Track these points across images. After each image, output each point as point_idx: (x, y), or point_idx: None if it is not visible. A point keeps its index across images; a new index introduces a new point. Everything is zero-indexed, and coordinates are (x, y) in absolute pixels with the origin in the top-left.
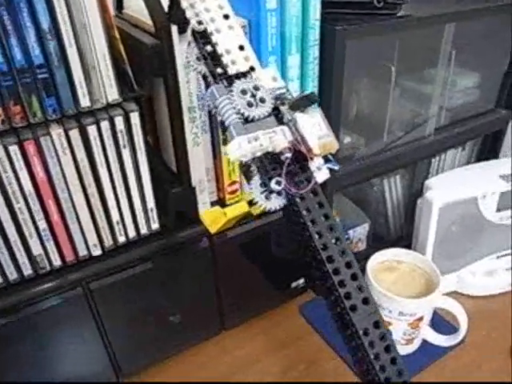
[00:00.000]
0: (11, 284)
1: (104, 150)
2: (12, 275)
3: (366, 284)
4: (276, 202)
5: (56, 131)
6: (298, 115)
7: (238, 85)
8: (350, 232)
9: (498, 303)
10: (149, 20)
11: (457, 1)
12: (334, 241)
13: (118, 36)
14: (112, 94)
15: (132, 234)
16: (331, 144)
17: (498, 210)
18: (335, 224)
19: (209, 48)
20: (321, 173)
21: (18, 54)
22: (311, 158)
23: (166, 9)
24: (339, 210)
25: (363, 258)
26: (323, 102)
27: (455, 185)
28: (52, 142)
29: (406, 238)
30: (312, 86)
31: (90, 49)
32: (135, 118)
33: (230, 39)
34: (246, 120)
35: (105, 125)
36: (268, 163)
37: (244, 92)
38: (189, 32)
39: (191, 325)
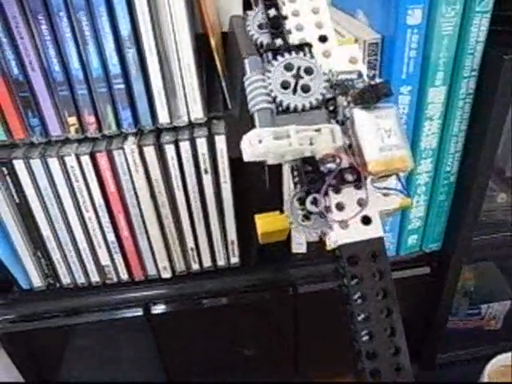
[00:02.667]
0: (79, 287)
1: (182, 172)
2: (80, 279)
3: None
4: (311, 231)
5: (130, 146)
6: (357, 112)
7: (286, 58)
8: (483, 306)
9: None
10: None
11: None
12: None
13: (214, 44)
14: (196, 111)
15: (207, 263)
16: (401, 160)
17: None
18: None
19: (272, 12)
20: (386, 199)
21: (94, 62)
22: (365, 177)
23: None
24: (477, 272)
25: (494, 340)
26: (471, 150)
27: None
28: (125, 157)
29: None
30: (458, 129)
31: (174, 58)
32: (221, 141)
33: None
34: (285, 108)
35: (185, 146)
36: (304, 172)
37: (289, 68)
38: None
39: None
